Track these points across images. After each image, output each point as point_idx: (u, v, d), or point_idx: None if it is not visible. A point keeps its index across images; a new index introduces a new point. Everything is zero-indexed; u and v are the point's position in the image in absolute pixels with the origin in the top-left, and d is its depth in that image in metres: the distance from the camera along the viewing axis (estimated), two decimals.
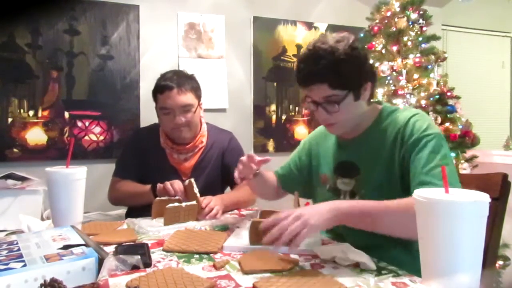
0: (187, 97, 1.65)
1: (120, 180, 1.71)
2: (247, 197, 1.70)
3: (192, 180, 1.46)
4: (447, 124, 2.53)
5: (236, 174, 1.30)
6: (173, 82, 1.64)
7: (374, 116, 1.23)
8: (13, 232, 1.22)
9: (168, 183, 1.49)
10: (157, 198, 1.42)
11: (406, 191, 1.07)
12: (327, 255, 0.99)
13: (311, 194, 1.43)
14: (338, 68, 1.11)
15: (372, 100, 1.24)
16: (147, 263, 0.95)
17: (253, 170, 1.30)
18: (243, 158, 1.31)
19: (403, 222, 0.97)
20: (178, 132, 1.66)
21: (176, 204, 1.34)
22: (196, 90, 1.70)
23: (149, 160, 1.71)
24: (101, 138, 2.50)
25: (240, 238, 1.15)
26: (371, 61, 1.25)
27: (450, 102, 2.58)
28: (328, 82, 1.12)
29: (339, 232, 1.23)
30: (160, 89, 1.65)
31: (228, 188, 1.83)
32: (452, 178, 1.00)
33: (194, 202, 1.38)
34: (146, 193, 1.55)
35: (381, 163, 1.16)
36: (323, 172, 1.34)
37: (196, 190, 1.42)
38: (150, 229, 1.26)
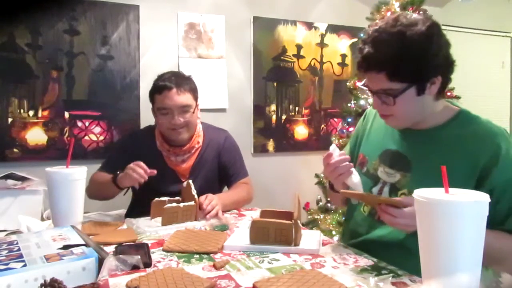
0: (186, 98, 1.64)
1: (98, 172, 1.67)
2: (245, 195, 1.70)
3: (190, 181, 1.45)
4: None
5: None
6: (171, 82, 1.63)
7: (448, 117, 1.08)
8: (13, 232, 1.22)
9: (129, 169, 1.42)
10: (156, 199, 1.42)
11: None
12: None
13: None
14: (402, 58, 0.96)
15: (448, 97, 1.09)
16: (147, 263, 0.95)
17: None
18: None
19: None
20: (175, 133, 1.65)
21: (174, 204, 1.34)
22: (194, 91, 1.70)
23: (146, 164, 1.70)
24: (101, 138, 2.50)
25: (240, 238, 1.15)
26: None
27: None
28: (386, 72, 0.98)
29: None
30: (159, 89, 1.64)
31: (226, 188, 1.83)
32: None
33: (192, 203, 1.38)
34: (108, 182, 1.50)
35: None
36: (363, 152, 1.23)
37: (194, 192, 1.42)
38: (148, 229, 1.26)
